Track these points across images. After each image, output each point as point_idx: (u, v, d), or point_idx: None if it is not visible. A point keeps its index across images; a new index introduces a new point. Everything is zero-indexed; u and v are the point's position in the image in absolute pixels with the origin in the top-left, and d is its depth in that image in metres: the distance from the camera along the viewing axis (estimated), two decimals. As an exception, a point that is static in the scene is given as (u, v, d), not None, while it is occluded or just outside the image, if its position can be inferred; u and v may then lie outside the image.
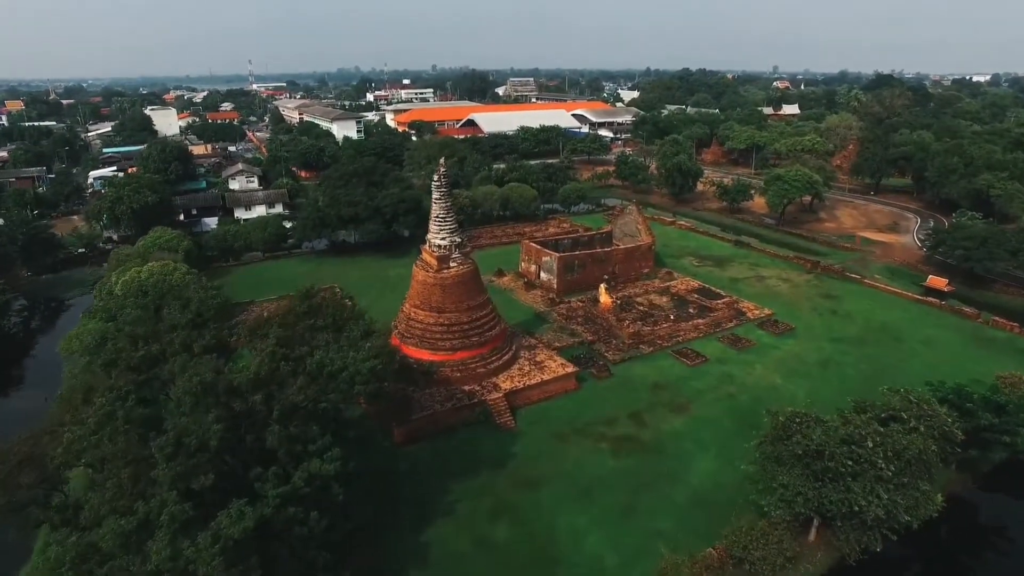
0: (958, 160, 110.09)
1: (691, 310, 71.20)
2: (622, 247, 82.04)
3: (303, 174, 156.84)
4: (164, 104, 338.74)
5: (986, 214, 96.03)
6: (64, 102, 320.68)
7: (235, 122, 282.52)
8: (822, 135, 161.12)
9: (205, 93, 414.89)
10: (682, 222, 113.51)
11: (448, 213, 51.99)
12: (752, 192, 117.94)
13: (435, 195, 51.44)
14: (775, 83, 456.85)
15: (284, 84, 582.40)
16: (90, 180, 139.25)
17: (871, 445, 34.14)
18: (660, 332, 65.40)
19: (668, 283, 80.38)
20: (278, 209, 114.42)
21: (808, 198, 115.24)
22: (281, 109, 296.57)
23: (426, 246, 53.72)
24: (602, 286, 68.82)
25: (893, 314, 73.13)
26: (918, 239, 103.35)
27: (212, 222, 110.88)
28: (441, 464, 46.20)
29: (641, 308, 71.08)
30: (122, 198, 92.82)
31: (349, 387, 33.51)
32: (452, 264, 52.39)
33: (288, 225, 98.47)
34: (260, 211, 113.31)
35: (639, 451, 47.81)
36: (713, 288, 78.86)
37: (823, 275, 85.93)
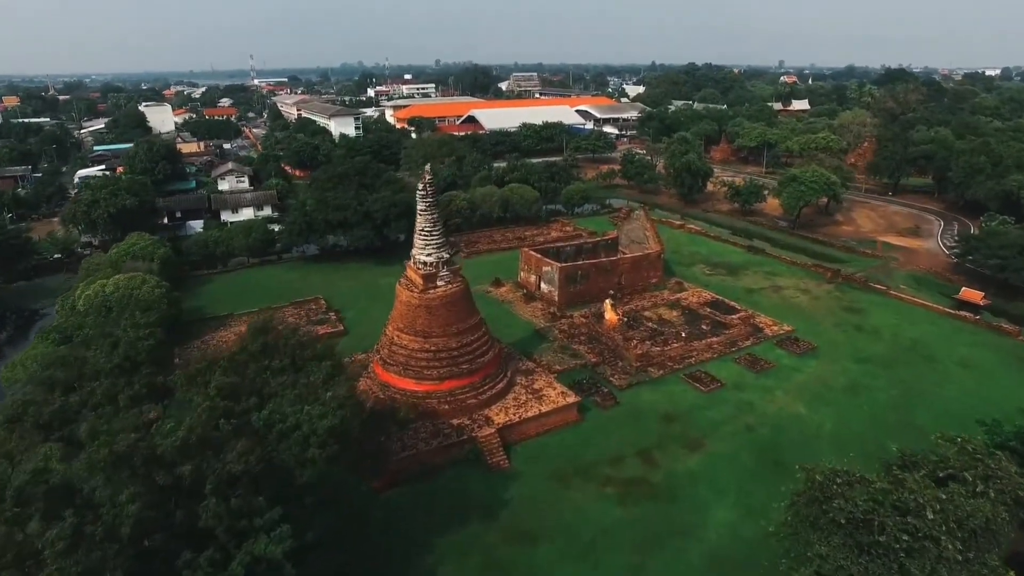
0: (985, 159, 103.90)
1: (704, 326, 65.51)
2: (629, 256, 76.39)
3: (298, 173, 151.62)
4: (163, 100, 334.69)
5: (1018, 218, 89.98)
6: (61, 98, 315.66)
7: (233, 118, 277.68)
8: (835, 132, 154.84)
9: (204, 89, 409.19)
10: (692, 225, 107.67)
11: (435, 226, 46.42)
12: (766, 193, 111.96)
13: (420, 206, 45.88)
14: (782, 78, 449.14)
15: (285, 79, 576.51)
16: (76, 180, 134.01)
17: (931, 516, 28.52)
18: (671, 353, 59.78)
19: (678, 295, 74.71)
20: (267, 211, 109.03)
21: (824, 200, 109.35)
22: (279, 105, 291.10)
23: (410, 262, 48.20)
24: (607, 302, 63.21)
25: (923, 330, 67.35)
26: (943, 244, 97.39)
27: (198, 225, 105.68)
28: (424, 512, 40.74)
29: (650, 324, 65.42)
30: (98, 201, 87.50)
31: (302, 450, 28.08)
32: (439, 283, 46.86)
33: (276, 229, 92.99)
34: (248, 214, 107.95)
35: (649, 498, 42.26)
36: (727, 300, 73.13)
37: (844, 285, 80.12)
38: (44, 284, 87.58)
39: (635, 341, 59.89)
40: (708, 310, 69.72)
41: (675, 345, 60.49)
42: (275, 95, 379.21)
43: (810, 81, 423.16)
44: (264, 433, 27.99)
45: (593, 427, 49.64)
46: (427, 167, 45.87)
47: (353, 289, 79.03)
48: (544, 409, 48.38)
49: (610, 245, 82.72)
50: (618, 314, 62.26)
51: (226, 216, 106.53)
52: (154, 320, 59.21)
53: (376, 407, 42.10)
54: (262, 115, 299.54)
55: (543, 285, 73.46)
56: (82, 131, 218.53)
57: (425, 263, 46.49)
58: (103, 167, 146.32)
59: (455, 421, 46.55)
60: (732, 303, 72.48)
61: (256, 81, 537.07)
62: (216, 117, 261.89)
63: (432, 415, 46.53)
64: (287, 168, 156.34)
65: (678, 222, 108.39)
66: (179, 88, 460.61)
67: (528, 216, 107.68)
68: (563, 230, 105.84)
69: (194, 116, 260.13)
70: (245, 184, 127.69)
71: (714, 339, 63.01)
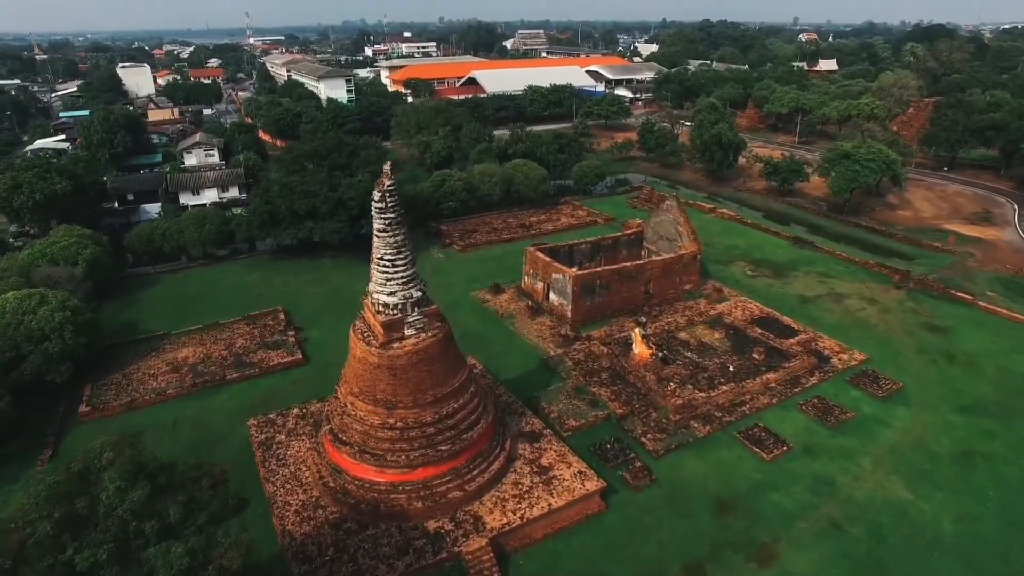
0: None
1: (756, 356, 51.69)
2: (658, 258, 62.21)
3: (279, 144, 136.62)
4: (150, 60, 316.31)
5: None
6: (39, 58, 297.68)
7: (220, 80, 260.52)
8: (875, 96, 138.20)
9: (192, 49, 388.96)
10: (724, 210, 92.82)
11: (399, 253, 32.34)
12: (809, 171, 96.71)
13: (377, 223, 31.80)
14: (801, 35, 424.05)
15: (282, 38, 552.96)
16: (27, 152, 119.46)
17: None
18: (718, 399, 46.13)
19: (719, 306, 60.76)
20: (233, 193, 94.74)
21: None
22: (269, 66, 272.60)
23: (367, 299, 34.29)
24: (636, 331, 49.30)
25: (1033, 359, 53.44)
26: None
27: (155, 210, 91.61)
28: None
29: (688, 354, 51.61)
30: (21, 186, 73.33)
31: None
32: (408, 333, 33.09)
33: (241, 214, 78.41)
34: (211, 196, 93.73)
35: (708, 658, 29.19)
36: (780, 316, 59.27)
37: (918, 292, 65.87)
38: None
39: (673, 385, 46.19)
40: (758, 330, 55.83)
41: (724, 389, 46.74)
42: (268, 55, 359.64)
43: (831, 39, 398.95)
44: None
45: (622, 522, 36.31)
46: (386, 167, 31.39)
47: (320, 298, 65.30)
48: (557, 503, 35.03)
49: (633, 242, 68.53)
50: (650, 348, 48.42)
51: (186, 199, 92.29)
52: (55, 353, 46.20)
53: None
54: (252, 76, 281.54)
55: (552, 296, 59.59)
56: (55, 94, 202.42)
57: (387, 305, 32.61)
58: (63, 137, 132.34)
59: (431, 525, 33.30)
60: (787, 320, 58.61)
61: (252, 40, 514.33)
62: (201, 79, 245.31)
63: (399, 516, 33.28)
64: (268, 139, 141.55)
65: (708, 205, 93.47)
66: (171, 48, 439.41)
67: (534, 198, 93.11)
68: (575, 215, 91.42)
69: (179, 78, 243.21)
70: (215, 158, 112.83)
71: (771, 375, 49.26)
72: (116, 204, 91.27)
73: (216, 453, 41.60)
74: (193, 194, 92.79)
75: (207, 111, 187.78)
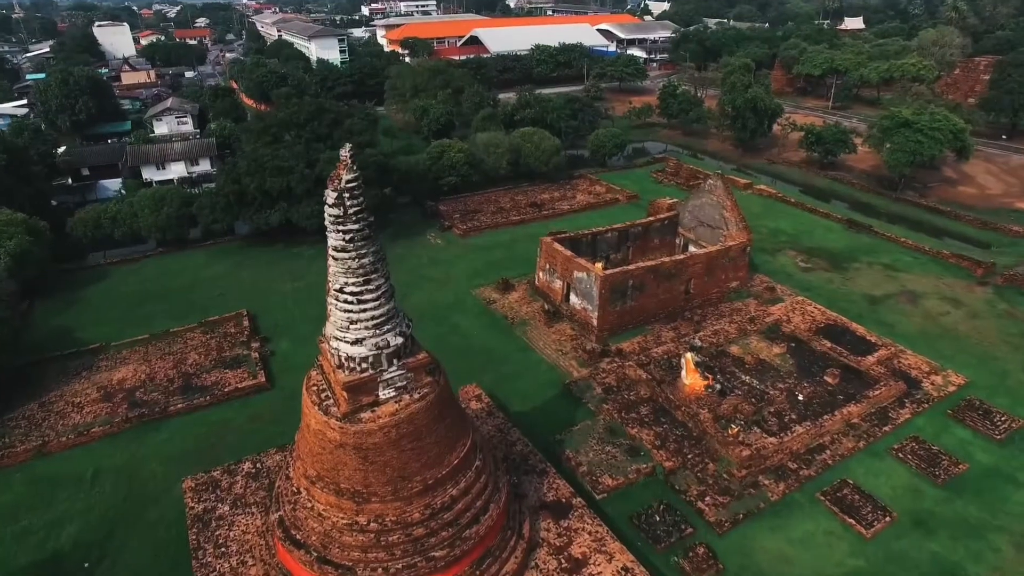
0: None
1: (829, 379, 41.34)
2: (701, 251, 51.38)
3: (263, 110, 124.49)
4: (137, 20, 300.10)
5: None
6: (15, 16, 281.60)
7: (206, 41, 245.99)
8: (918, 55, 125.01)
9: (179, 7, 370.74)
10: (763, 186, 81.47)
11: (368, 282, 21.66)
12: (858, 141, 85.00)
13: (333, 239, 21.06)
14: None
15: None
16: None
17: None
18: (791, 445, 35.87)
19: (773, 310, 50.21)
20: (204, 167, 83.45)
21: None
22: (259, 25, 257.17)
23: (324, 342, 23.71)
24: (688, 356, 38.73)
25: None
26: (1113, 217, 71.45)
27: (115, 186, 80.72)
28: None
29: (745, 378, 41.23)
30: (-58, 162, 62.38)
31: None
32: (385, 396, 22.66)
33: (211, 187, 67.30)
34: (179, 170, 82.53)
35: None
36: (850, 323, 48.73)
37: (1006, 288, 55.15)
38: None
39: (734, 426, 35.86)
40: (826, 343, 45.34)
41: (799, 431, 36.42)
42: (260, 14, 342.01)
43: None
44: None
45: (684, 643, 26.47)
46: (345, 151, 20.34)
47: (294, 297, 54.84)
48: (595, 624, 25.02)
49: (666, 228, 57.66)
50: (706, 377, 37.98)
51: (149, 173, 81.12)
52: None
53: None
54: (242, 37, 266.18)
55: (574, 298, 49.05)
56: (25, 55, 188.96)
57: (351, 359, 22.08)
58: (24, 102, 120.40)
59: (420, 665, 23.39)
60: (857, 328, 48.08)
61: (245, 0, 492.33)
62: (187, 40, 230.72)
63: (374, 654, 23.32)
64: (252, 103, 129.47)
65: (743, 180, 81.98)
66: (160, 7, 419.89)
67: (546, 172, 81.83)
68: (592, 191, 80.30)
69: (163, 39, 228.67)
70: (188, 126, 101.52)
71: (852, 407, 38.94)
72: (70, 180, 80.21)
73: (139, 527, 31.70)
74: (158, 168, 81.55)
75: (189, 74, 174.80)
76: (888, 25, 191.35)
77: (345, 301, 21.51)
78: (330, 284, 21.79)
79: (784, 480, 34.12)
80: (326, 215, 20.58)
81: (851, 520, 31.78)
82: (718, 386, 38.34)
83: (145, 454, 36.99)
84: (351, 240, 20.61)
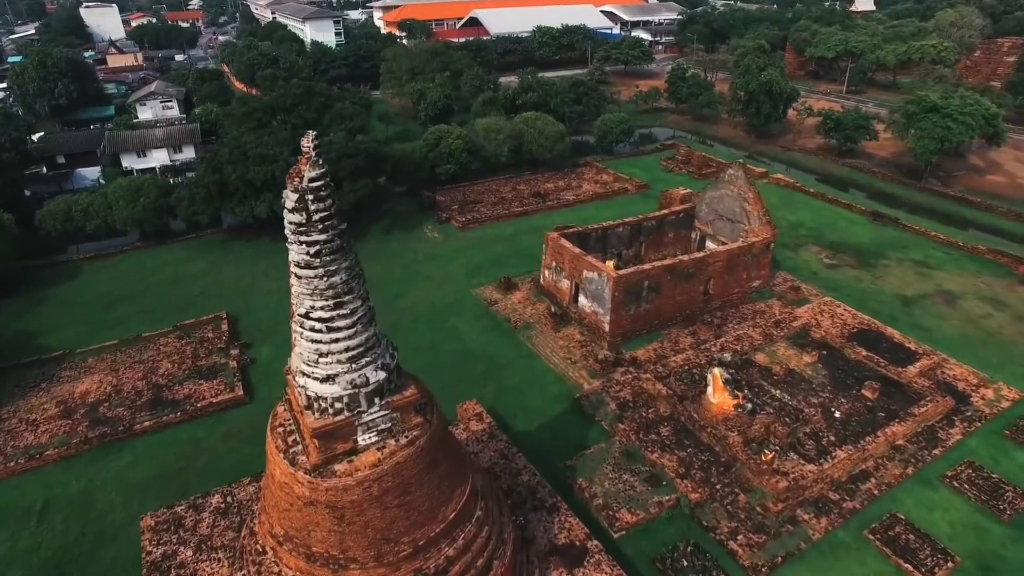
0: None
1: (868, 393, 37.17)
2: (722, 248, 47.01)
3: (255, 94, 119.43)
4: (128, 2, 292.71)
5: None
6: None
7: (198, 23, 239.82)
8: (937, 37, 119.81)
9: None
10: (780, 175, 76.91)
11: (341, 305, 17.40)
12: (880, 127, 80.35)
13: (295, 254, 16.81)
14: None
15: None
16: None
17: None
18: (832, 472, 31.72)
19: (799, 312, 45.96)
20: (188, 154, 78.74)
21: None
22: (253, 7, 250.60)
23: (291, 374, 19.46)
24: (715, 372, 34.45)
25: None
26: None
27: (93, 174, 76.26)
28: None
29: (776, 392, 37.04)
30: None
31: None
32: (365, 442, 18.45)
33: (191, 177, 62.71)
34: (161, 157, 77.87)
35: None
36: (882, 326, 44.53)
37: (1050, 288, 50.93)
38: None
39: (768, 451, 31.68)
40: (862, 351, 41.14)
41: (840, 455, 32.25)
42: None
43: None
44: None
45: None
46: (307, 141, 15.93)
47: (278, 296, 50.28)
48: None
49: (681, 222, 53.29)
50: (735, 395, 33.76)
51: (129, 161, 76.45)
52: None
53: None
54: (235, 19, 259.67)
55: (583, 300, 44.78)
56: (10, 37, 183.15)
57: (321, 399, 17.85)
58: (4, 86, 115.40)
59: None
60: (893, 333, 43.87)
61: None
62: (179, 22, 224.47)
63: None
64: (243, 87, 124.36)
65: (759, 169, 77.30)
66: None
67: (550, 160, 77.25)
68: (599, 180, 75.76)
69: (153, 20, 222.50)
70: (174, 111, 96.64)
71: (896, 426, 34.79)
72: (44, 169, 75.62)
73: (90, 572, 27.64)
74: (139, 155, 76.82)
75: (179, 57, 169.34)
76: (902, 6, 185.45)
77: (312, 329, 17.24)
78: (294, 307, 17.51)
79: (826, 515, 30.04)
80: (285, 222, 16.28)
81: (908, 565, 27.71)
82: (749, 405, 34.14)
83: (104, 480, 32.90)
84: (317, 254, 16.32)
